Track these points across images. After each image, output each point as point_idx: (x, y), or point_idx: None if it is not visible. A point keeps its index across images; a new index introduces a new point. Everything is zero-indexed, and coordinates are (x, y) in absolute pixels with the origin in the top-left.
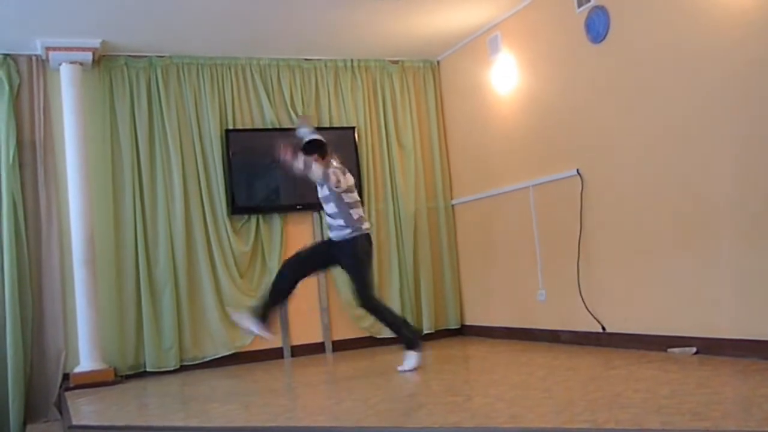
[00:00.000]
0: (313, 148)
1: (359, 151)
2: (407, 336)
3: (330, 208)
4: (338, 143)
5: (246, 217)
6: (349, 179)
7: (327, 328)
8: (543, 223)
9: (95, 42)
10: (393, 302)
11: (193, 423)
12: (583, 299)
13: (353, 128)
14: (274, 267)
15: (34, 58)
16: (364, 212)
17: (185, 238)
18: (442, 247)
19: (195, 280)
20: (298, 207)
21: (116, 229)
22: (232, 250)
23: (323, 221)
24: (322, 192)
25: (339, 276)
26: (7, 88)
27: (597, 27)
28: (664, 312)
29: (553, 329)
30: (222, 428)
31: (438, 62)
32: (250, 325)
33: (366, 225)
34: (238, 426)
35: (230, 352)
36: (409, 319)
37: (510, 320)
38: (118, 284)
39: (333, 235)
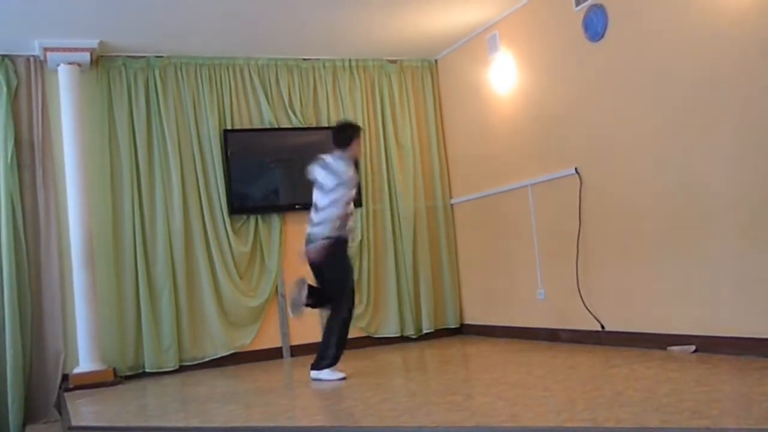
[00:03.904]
0: (347, 135)
1: None
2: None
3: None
4: None
5: (245, 217)
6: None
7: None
8: (542, 222)
9: (93, 42)
10: (391, 301)
11: (193, 423)
12: (582, 298)
13: None
14: (273, 267)
15: (32, 59)
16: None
17: (184, 239)
18: (441, 247)
19: (194, 280)
20: (296, 207)
21: (115, 230)
22: (231, 251)
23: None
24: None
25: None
26: (5, 89)
27: (595, 25)
28: (664, 310)
29: (553, 328)
30: (222, 428)
31: (436, 61)
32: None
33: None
34: (238, 426)
35: (229, 352)
36: (409, 318)
37: (509, 319)
38: (117, 285)
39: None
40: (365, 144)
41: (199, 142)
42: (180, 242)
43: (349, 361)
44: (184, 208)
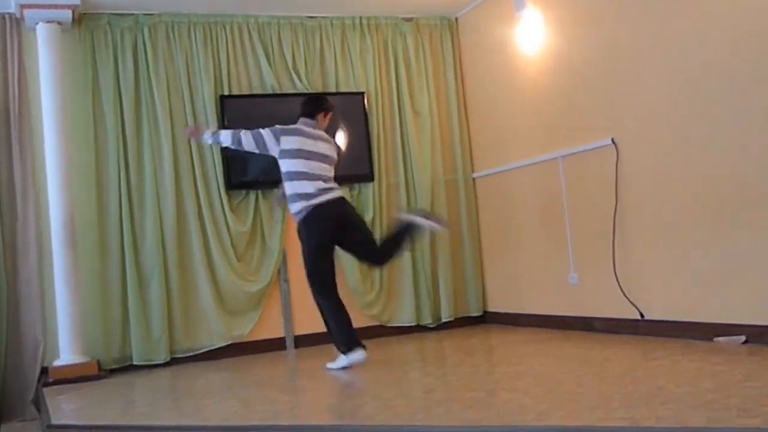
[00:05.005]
0: (317, 106)
1: (369, 119)
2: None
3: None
4: (346, 110)
5: (243, 192)
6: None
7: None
8: (574, 198)
9: None
10: (406, 287)
11: (186, 422)
12: (619, 283)
13: (362, 94)
14: (275, 248)
15: (7, 17)
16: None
17: (176, 217)
18: (462, 226)
19: (187, 263)
20: None
21: (99, 208)
22: (229, 230)
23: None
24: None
25: (345, 257)
26: None
27: None
28: (710, 296)
29: (586, 316)
30: (218, 427)
31: (456, 20)
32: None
33: None
34: (237, 425)
35: (227, 343)
36: (426, 306)
37: (538, 306)
38: (101, 268)
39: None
40: (378, 111)
41: (193, 110)
42: (171, 221)
43: None
44: (176, 183)
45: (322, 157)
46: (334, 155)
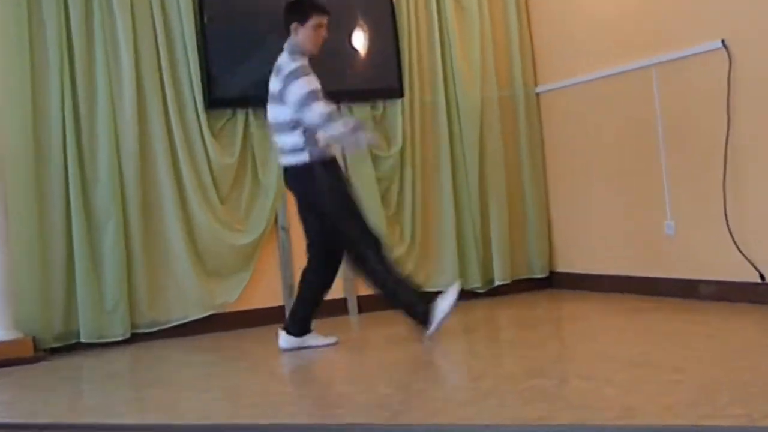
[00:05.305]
0: (287, 14)
1: (398, 15)
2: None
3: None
4: (366, 5)
5: (229, 112)
6: None
7: (350, 280)
8: (671, 119)
9: None
10: (447, 240)
11: (153, 419)
12: (731, 234)
13: None
14: (270, 186)
15: None
16: None
17: (138, 146)
18: (522, 158)
19: (153, 207)
20: None
21: (36, 135)
22: (209, 163)
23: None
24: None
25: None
26: None
27: None
28: None
29: (687, 278)
30: (196, 426)
31: None
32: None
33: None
34: (220, 423)
35: (206, 314)
36: (473, 264)
37: (622, 266)
38: (39, 216)
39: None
40: (408, 4)
41: (162, 4)
42: (132, 151)
43: (383, 326)
44: (139, 101)
45: (270, 98)
46: (278, 86)
